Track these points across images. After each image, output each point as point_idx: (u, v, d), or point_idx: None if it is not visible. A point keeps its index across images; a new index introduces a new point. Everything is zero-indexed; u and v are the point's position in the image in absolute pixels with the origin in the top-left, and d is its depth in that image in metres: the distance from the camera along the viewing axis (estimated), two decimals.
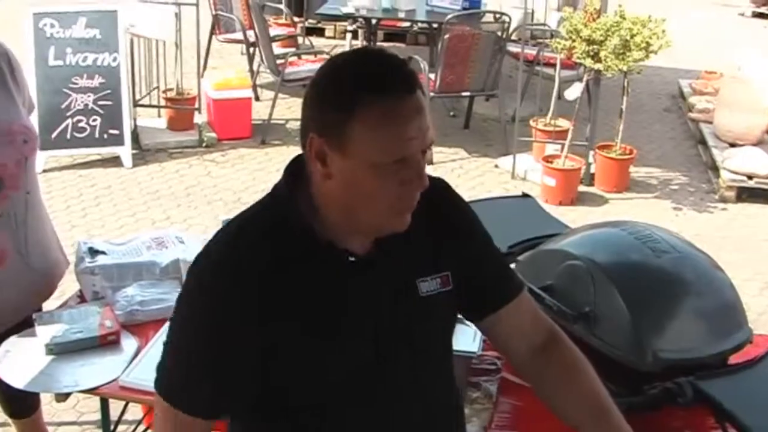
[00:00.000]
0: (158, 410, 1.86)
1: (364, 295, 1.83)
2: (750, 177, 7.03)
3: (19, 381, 2.70)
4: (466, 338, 2.55)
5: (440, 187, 2.00)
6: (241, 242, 1.82)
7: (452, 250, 1.95)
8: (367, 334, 1.83)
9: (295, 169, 1.85)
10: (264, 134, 7.74)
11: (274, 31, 8.79)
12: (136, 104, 7.66)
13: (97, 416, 3.83)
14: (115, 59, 7.11)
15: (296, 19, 10.01)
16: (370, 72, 1.74)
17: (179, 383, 1.83)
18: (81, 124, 7.08)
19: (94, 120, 7.11)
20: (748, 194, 7.05)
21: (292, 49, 8.76)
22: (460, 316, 2.07)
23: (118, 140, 7.20)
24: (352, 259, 1.82)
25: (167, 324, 1.89)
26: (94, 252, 3.14)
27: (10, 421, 3.47)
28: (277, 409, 1.87)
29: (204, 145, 7.64)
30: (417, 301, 1.88)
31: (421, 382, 1.92)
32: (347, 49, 9.54)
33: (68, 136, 7.06)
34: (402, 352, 1.87)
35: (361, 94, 1.69)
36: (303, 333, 1.78)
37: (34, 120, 2.99)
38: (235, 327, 1.76)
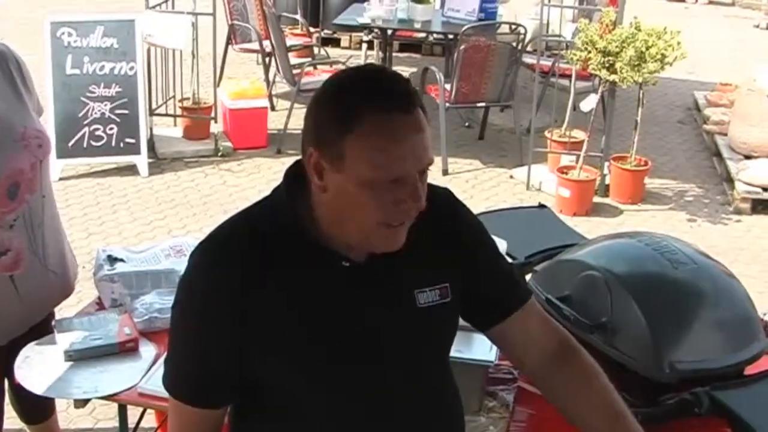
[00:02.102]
0: (169, 403, 1.92)
1: (358, 302, 1.83)
2: (765, 189, 7.02)
3: (38, 387, 2.72)
4: (483, 347, 2.54)
5: (444, 196, 2.01)
6: (234, 238, 1.85)
7: (455, 260, 1.95)
8: (359, 341, 1.84)
9: (296, 173, 1.86)
10: (279, 144, 7.76)
11: (290, 41, 8.81)
12: (152, 113, 7.71)
13: (113, 423, 3.85)
14: (132, 68, 7.15)
15: (312, 29, 10.04)
16: (369, 89, 1.73)
17: (175, 373, 1.88)
18: (98, 133, 7.11)
19: (111, 129, 7.14)
20: (762, 206, 7.04)
21: (308, 59, 8.79)
22: (469, 324, 2.08)
23: (134, 149, 7.23)
24: (346, 264, 1.83)
25: None
26: (113, 260, 3.16)
27: (26, 427, 3.50)
28: (261, 407, 1.89)
29: (220, 154, 7.66)
30: (415, 312, 1.88)
31: (416, 391, 1.92)
32: (362, 59, 9.59)
33: (85, 145, 7.10)
34: (397, 361, 1.88)
35: (359, 111, 1.69)
36: (291, 334, 1.80)
37: (48, 126, 3.02)
38: (223, 321, 1.78)
